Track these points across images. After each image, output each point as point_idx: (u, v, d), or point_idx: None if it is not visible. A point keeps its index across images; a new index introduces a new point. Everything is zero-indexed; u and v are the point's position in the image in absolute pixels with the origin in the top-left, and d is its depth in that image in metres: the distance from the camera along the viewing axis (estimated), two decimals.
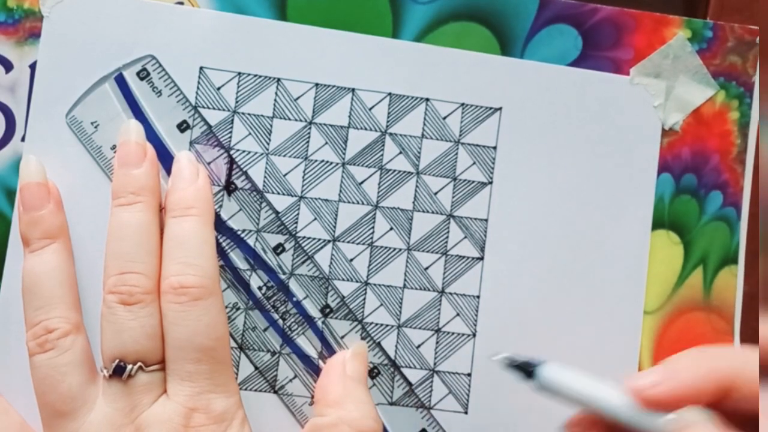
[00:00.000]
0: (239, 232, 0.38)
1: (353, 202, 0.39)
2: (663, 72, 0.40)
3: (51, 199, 0.36)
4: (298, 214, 0.38)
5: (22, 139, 0.38)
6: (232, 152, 0.38)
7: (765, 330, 0.28)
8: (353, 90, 0.39)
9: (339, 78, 0.39)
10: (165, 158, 0.38)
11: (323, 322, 0.38)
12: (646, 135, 0.40)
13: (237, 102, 0.39)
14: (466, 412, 0.39)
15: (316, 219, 0.39)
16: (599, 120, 0.40)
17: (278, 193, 0.39)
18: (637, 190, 0.40)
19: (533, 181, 0.40)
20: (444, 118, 0.39)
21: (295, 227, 0.38)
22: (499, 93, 0.40)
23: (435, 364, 0.39)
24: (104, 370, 0.34)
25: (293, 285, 0.38)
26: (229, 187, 0.38)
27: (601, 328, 0.40)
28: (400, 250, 0.39)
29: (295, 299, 0.38)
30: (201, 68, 0.38)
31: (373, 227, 0.39)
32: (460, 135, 0.39)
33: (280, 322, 0.38)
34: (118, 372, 0.34)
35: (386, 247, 0.39)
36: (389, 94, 0.39)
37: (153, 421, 0.33)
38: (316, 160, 0.39)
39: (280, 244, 0.38)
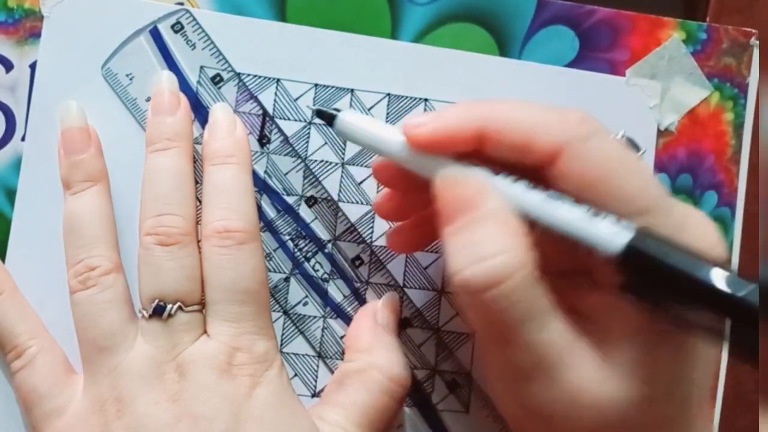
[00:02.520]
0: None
1: (352, 202, 0.39)
2: (658, 73, 0.41)
3: (92, 144, 0.37)
4: (298, 213, 0.39)
5: (22, 139, 0.38)
6: None
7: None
8: (352, 90, 0.39)
9: (338, 78, 0.39)
10: (199, 111, 0.39)
11: (324, 323, 0.38)
12: (642, 135, 0.41)
13: (237, 102, 0.39)
14: (467, 411, 0.39)
15: (316, 218, 0.39)
16: None
17: (278, 193, 0.39)
18: None
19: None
20: None
21: (296, 227, 0.39)
22: (497, 93, 0.40)
23: (436, 363, 0.39)
24: (143, 311, 0.34)
25: (293, 284, 0.38)
26: (263, 140, 0.39)
27: None
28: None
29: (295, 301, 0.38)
30: (201, 67, 0.39)
31: (372, 226, 0.39)
32: None
33: (284, 319, 0.38)
34: (158, 312, 0.34)
35: (385, 247, 0.39)
36: (388, 94, 0.40)
37: (196, 357, 0.34)
38: (315, 160, 0.39)
39: (281, 244, 0.38)
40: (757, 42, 0.41)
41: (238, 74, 0.39)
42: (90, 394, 0.34)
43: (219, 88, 0.39)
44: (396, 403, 0.36)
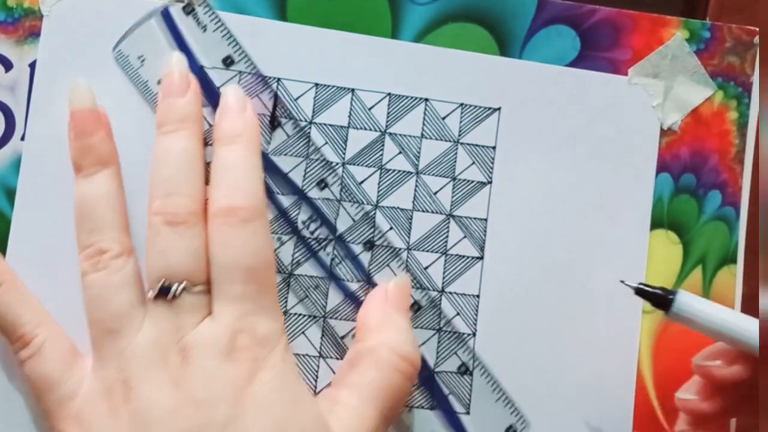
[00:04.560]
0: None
1: (353, 202, 0.39)
2: (661, 72, 0.40)
3: (102, 126, 0.37)
4: (298, 213, 0.39)
5: (22, 138, 0.38)
6: None
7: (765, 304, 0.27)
8: (353, 90, 0.39)
9: (339, 78, 0.39)
10: (209, 93, 0.38)
11: (324, 323, 0.38)
12: (645, 135, 0.40)
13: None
14: (467, 413, 0.39)
15: (317, 219, 0.39)
16: (598, 120, 0.40)
17: (279, 193, 0.39)
18: (636, 190, 0.40)
19: (532, 180, 0.40)
20: (443, 118, 0.40)
21: (296, 226, 0.38)
22: (498, 93, 0.40)
23: (436, 364, 0.39)
24: (150, 291, 0.34)
25: (293, 283, 0.38)
26: (274, 122, 0.38)
27: (600, 328, 0.40)
28: (400, 249, 0.39)
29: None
30: (201, 67, 0.38)
31: (373, 227, 0.39)
32: (459, 135, 0.40)
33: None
34: (164, 292, 0.34)
35: (386, 247, 0.39)
36: (389, 94, 0.39)
37: (199, 342, 0.33)
38: (316, 160, 0.39)
39: (281, 244, 0.38)
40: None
41: (239, 72, 0.39)
42: (98, 377, 0.34)
43: (230, 70, 0.39)
44: (408, 381, 0.36)
